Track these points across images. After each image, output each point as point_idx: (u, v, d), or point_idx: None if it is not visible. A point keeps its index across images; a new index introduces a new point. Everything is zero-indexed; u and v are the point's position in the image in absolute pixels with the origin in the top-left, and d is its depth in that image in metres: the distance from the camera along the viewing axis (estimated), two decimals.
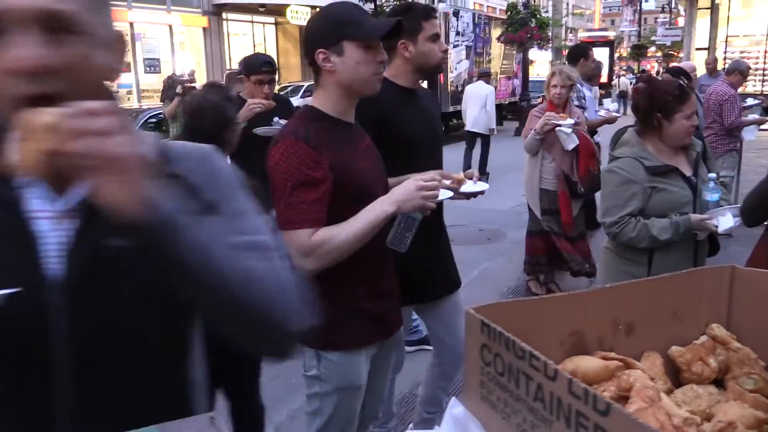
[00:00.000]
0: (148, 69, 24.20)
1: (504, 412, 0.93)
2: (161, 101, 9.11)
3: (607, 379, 1.07)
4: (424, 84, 12.26)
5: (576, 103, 5.42)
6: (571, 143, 4.59)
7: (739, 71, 7.01)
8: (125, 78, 23.42)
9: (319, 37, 1.86)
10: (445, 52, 2.56)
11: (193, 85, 8.51)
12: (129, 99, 22.46)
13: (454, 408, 1.04)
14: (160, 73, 24.33)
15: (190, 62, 23.35)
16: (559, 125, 4.54)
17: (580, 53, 5.84)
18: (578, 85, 5.47)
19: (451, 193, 2.03)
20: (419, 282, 2.37)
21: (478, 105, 10.83)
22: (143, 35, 23.99)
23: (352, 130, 1.96)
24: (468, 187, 2.13)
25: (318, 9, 1.94)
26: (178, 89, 8.17)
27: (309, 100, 2.05)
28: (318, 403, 2.00)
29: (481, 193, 2.20)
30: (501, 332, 0.91)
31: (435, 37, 2.48)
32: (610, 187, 2.66)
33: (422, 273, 2.39)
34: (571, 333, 1.12)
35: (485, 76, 11.96)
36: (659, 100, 2.60)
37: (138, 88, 23.57)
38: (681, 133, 2.62)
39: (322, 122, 1.87)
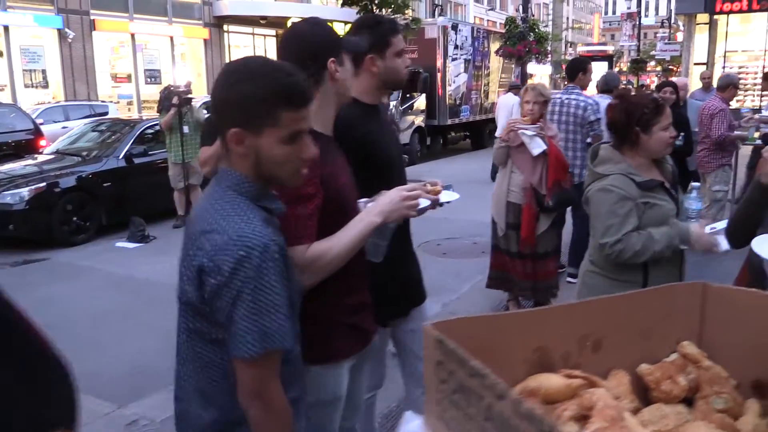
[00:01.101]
0: (148, 80, 24.30)
1: None
2: (158, 112, 9.14)
3: (570, 397, 1.04)
4: (423, 96, 12.33)
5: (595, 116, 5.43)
6: (536, 148, 4.46)
7: (733, 85, 7.01)
8: (125, 89, 23.54)
9: (330, 46, 1.87)
10: (408, 68, 2.53)
11: (189, 96, 8.51)
12: (129, 110, 22.54)
13: (409, 423, 1.01)
14: (160, 84, 24.40)
15: (191, 74, 23.44)
16: (524, 128, 4.46)
17: (578, 68, 5.82)
18: (588, 99, 5.48)
19: (429, 202, 2.02)
20: (396, 296, 2.34)
21: (506, 114, 11.47)
22: (145, 46, 24.11)
23: (332, 143, 1.95)
24: (443, 196, 2.12)
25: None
26: (174, 100, 8.18)
27: None
28: None
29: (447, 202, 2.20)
30: (454, 349, 0.88)
31: (401, 53, 2.47)
32: (606, 206, 2.57)
33: (398, 286, 2.36)
34: (535, 349, 1.09)
35: (515, 88, 12.49)
36: (636, 114, 2.56)
37: (139, 99, 23.65)
38: (661, 144, 2.60)
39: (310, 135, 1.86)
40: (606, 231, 2.56)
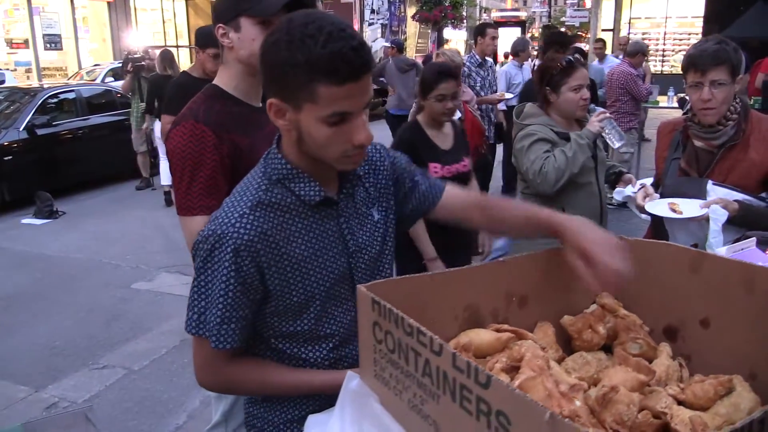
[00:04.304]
0: (48, 46, 22.71)
1: (396, 389, 0.93)
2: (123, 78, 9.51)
3: (500, 350, 1.09)
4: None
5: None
6: None
7: (642, 53, 7.32)
8: (23, 55, 21.98)
9: (220, 12, 1.80)
10: None
11: (142, 63, 8.35)
12: (29, 77, 21.14)
13: (351, 382, 1.03)
14: (61, 50, 22.99)
15: (96, 39, 22.18)
16: None
17: (477, 32, 6.16)
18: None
19: None
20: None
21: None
22: (42, 9, 22.52)
23: (257, 112, 1.89)
24: None
25: None
26: (129, 67, 8.28)
27: None
28: None
29: None
30: (390, 309, 0.90)
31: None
32: (527, 148, 2.68)
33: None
34: (465, 307, 1.13)
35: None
36: (546, 75, 2.73)
37: (38, 66, 22.17)
38: (571, 105, 2.70)
39: (224, 102, 1.80)
40: (531, 164, 2.66)
